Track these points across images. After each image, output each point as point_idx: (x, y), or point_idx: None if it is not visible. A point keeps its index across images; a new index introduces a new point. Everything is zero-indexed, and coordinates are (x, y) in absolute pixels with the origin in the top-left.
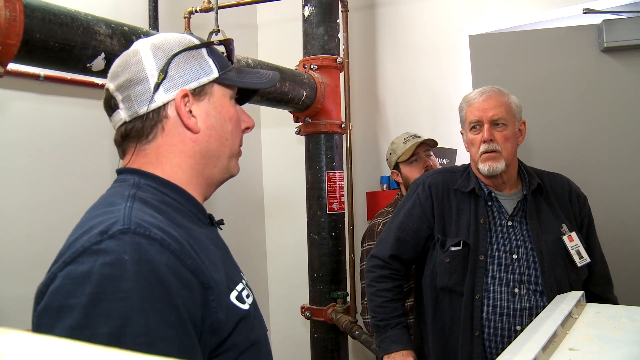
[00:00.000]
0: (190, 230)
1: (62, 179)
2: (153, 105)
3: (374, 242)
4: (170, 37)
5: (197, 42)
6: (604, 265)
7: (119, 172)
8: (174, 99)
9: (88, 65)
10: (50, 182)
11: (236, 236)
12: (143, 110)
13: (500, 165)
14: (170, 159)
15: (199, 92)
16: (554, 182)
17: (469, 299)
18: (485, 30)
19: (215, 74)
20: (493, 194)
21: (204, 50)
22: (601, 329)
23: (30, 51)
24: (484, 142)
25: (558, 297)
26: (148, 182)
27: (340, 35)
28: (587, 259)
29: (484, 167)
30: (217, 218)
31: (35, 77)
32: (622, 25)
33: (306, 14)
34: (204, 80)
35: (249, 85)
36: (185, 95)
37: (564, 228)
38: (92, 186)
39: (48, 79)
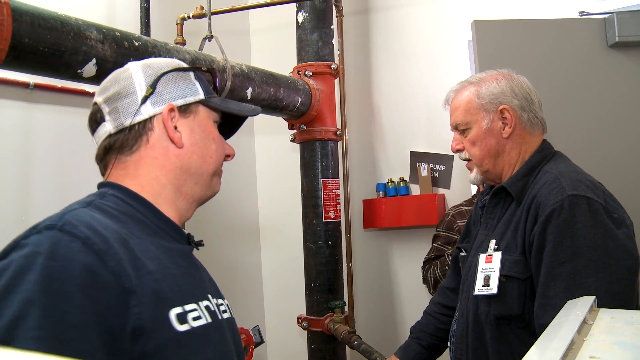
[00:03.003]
0: (144, 240)
1: (52, 189)
2: (139, 117)
3: (441, 229)
4: (161, 60)
5: (185, 65)
6: (545, 312)
7: (99, 186)
8: (160, 113)
9: (79, 71)
10: (40, 192)
11: (230, 246)
12: (129, 121)
13: (473, 174)
14: (149, 171)
15: (184, 110)
16: (538, 188)
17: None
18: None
19: (201, 95)
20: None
21: (191, 74)
22: (619, 335)
23: (19, 56)
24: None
25: (569, 302)
26: (115, 192)
27: (335, 41)
28: (492, 289)
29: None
30: (212, 229)
31: (25, 85)
32: (634, 19)
33: (300, 20)
34: (191, 99)
35: (233, 111)
36: (172, 110)
37: (491, 244)
38: (82, 194)
39: (38, 87)
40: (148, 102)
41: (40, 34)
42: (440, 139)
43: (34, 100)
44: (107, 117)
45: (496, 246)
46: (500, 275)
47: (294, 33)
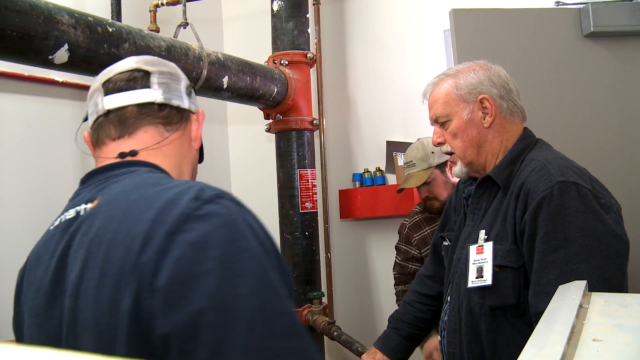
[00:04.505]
0: None
1: (20, 180)
2: (185, 105)
3: (401, 242)
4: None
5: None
6: (540, 299)
7: (130, 154)
8: (195, 112)
9: (50, 57)
10: (8, 185)
11: None
12: (177, 102)
13: (458, 167)
14: (176, 156)
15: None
16: (525, 175)
17: None
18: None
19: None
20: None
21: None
22: (616, 318)
23: None
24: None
25: (561, 287)
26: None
27: (312, 29)
28: (486, 280)
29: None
30: None
31: None
32: (609, 9)
33: (275, 8)
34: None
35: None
36: (202, 115)
37: (481, 235)
38: (53, 187)
39: (3, 75)
40: (188, 98)
41: (7, 17)
42: (416, 129)
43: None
44: (154, 87)
45: (486, 236)
46: (494, 266)
47: (268, 21)
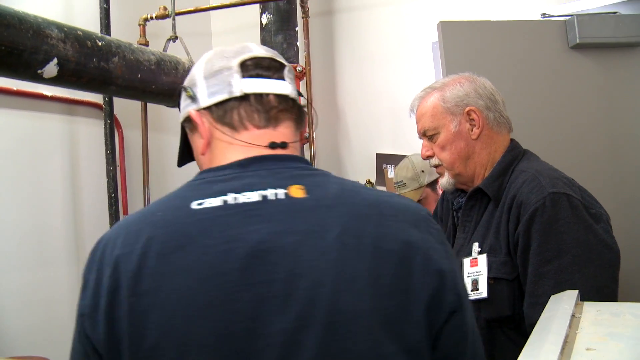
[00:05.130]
0: None
1: (10, 194)
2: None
3: None
4: None
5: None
6: (535, 310)
7: (281, 146)
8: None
9: (39, 71)
10: (1, 201)
11: None
12: (302, 102)
13: (445, 179)
14: None
15: None
16: (516, 187)
17: None
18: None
19: None
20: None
21: None
22: (608, 327)
23: None
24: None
25: (553, 297)
26: None
27: (301, 42)
28: (482, 292)
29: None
30: None
31: None
32: (594, 22)
33: (264, 22)
34: None
35: None
36: None
37: (474, 248)
38: (43, 202)
39: None
40: None
41: None
42: (406, 141)
43: None
44: (288, 80)
45: (479, 249)
46: (489, 278)
47: (257, 35)
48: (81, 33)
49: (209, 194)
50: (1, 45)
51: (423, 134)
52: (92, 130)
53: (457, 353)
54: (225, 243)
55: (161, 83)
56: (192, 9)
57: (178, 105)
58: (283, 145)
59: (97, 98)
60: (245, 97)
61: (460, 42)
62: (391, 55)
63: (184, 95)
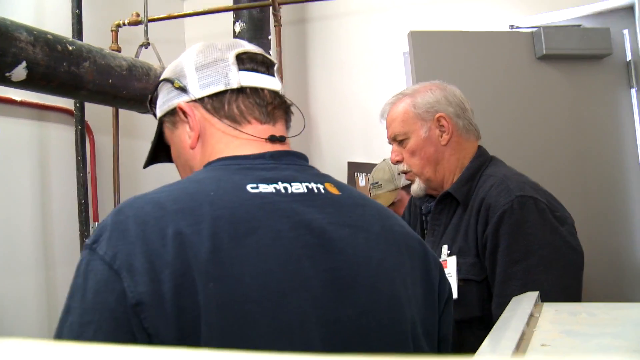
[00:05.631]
0: None
1: None
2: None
3: None
4: None
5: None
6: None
7: (280, 140)
8: None
9: (7, 74)
10: None
11: None
12: (289, 101)
13: (416, 185)
14: None
15: None
16: (485, 191)
17: None
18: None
19: None
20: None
21: None
22: (565, 325)
23: None
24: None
25: (514, 298)
26: None
27: (273, 50)
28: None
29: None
30: None
31: None
32: (559, 34)
33: (237, 30)
34: None
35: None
36: None
37: (444, 250)
38: (11, 208)
39: None
40: None
41: None
42: (377, 149)
43: None
44: (277, 77)
45: (449, 251)
46: (458, 280)
47: None
48: (51, 37)
49: (259, 180)
50: None
51: (393, 139)
52: (62, 135)
53: (448, 334)
54: (294, 229)
55: (132, 89)
56: (164, 15)
57: (153, 102)
58: (282, 139)
59: (68, 104)
60: (241, 90)
61: (430, 51)
62: (363, 64)
63: (167, 88)
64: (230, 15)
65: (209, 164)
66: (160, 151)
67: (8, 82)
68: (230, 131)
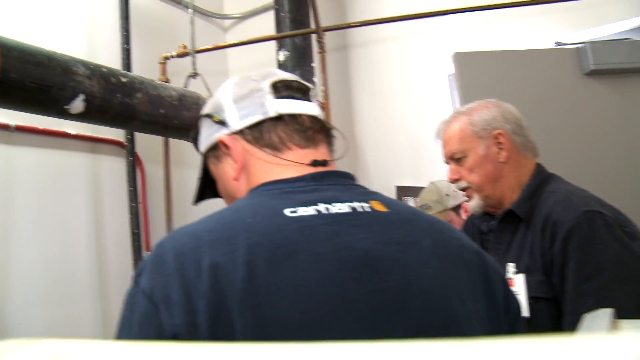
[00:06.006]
0: None
1: (34, 232)
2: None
3: None
4: None
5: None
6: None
7: (322, 164)
8: None
9: (66, 107)
10: (22, 236)
11: None
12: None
13: (474, 201)
14: None
15: None
16: (548, 207)
17: None
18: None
19: None
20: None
21: None
22: None
23: (5, 92)
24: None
25: (587, 315)
26: None
27: (318, 77)
28: (523, 313)
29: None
30: None
31: (5, 127)
32: (607, 48)
33: (281, 58)
34: None
35: None
36: None
37: (510, 268)
38: (66, 238)
39: (19, 129)
40: None
41: (27, 69)
42: (424, 172)
43: (15, 143)
44: (314, 102)
45: (516, 270)
46: (529, 298)
47: None
48: (106, 70)
49: (298, 203)
50: (32, 83)
51: (450, 158)
52: (113, 167)
53: None
54: (336, 251)
55: (183, 118)
56: (211, 46)
57: (195, 138)
58: (324, 163)
59: (118, 136)
60: (279, 118)
61: (475, 72)
62: (406, 88)
63: (207, 123)
64: (271, 44)
65: (251, 191)
66: (208, 186)
67: (67, 115)
68: (272, 159)
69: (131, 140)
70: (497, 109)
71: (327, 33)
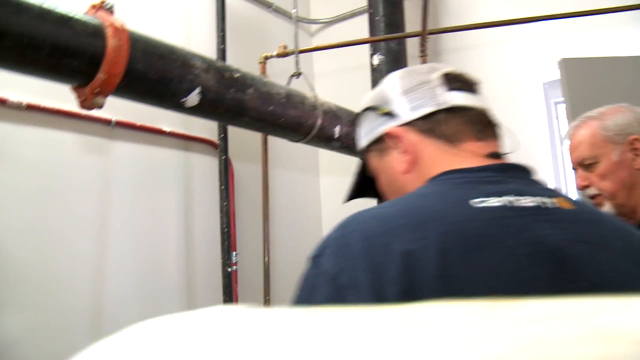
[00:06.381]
0: None
1: (130, 225)
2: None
3: None
4: None
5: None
6: None
7: (527, 169)
8: None
9: (181, 100)
10: (119, 228)
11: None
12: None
13: (606, 209)
14: None
15: None
16: None
17: None
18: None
19: None
20: None
21: None
22: None
23: (130, 83)
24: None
25: None
26: None
27: None
28: None
29: None
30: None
31: (107, 122)
32: None
33: (375, 62)
34: None
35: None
36: None
37: None
38: (158, 233)
39: (118, 124)
40: None
41: (151, 61)
42: None
43: (114, 137)
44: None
45: None
46: None
47: (367, 75)
48: (220, 65)
49: (485, 193)
50: (154, 75)
51: (579, 164)
52: (205, 165)
53: None
54: (528, 245)
55: (289, 116)
56: (312, 47)
57: (347, 135)
58: (500, 156)
59: (209, 134)
60: (452, 110)
61: (582, 78)
62: (500, 95)
63: (371, 117)
64: (358, 48)
65: (433, 179)
66: (363, 184)
67: (181, 109)
68: (448, 149)
69: (224, 138)
70: (631, 113)
71: (417, 39)
